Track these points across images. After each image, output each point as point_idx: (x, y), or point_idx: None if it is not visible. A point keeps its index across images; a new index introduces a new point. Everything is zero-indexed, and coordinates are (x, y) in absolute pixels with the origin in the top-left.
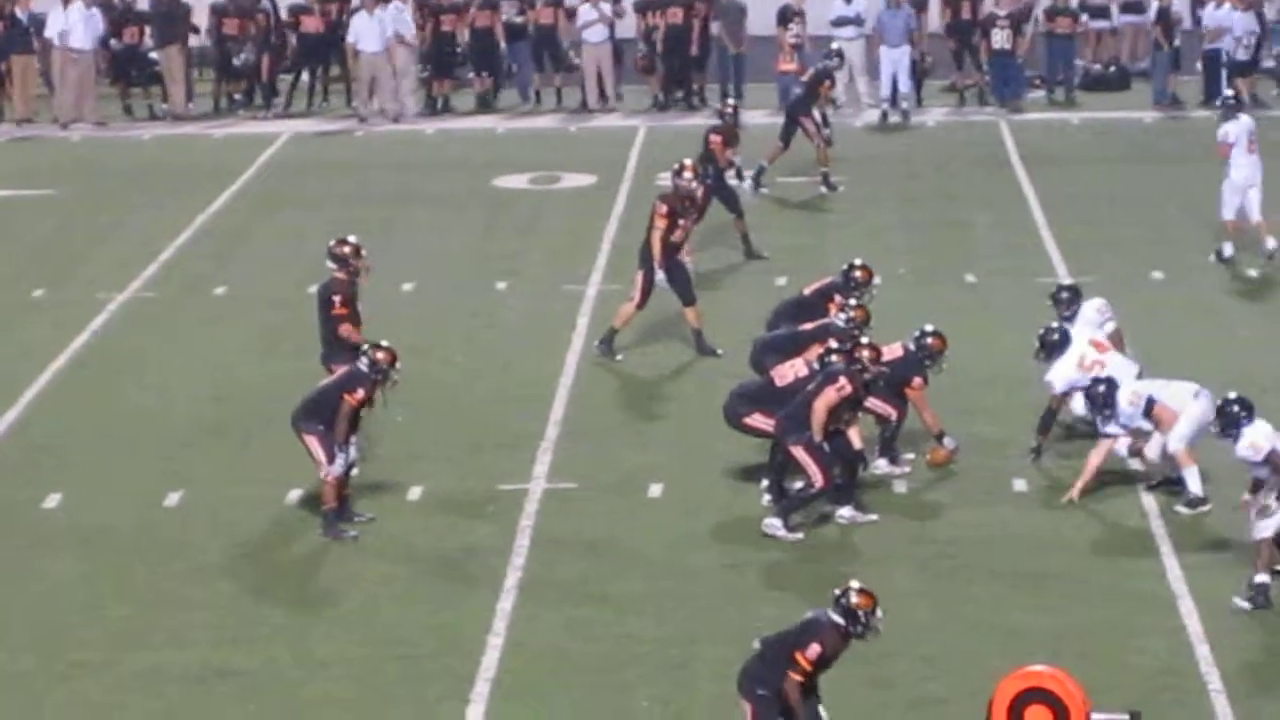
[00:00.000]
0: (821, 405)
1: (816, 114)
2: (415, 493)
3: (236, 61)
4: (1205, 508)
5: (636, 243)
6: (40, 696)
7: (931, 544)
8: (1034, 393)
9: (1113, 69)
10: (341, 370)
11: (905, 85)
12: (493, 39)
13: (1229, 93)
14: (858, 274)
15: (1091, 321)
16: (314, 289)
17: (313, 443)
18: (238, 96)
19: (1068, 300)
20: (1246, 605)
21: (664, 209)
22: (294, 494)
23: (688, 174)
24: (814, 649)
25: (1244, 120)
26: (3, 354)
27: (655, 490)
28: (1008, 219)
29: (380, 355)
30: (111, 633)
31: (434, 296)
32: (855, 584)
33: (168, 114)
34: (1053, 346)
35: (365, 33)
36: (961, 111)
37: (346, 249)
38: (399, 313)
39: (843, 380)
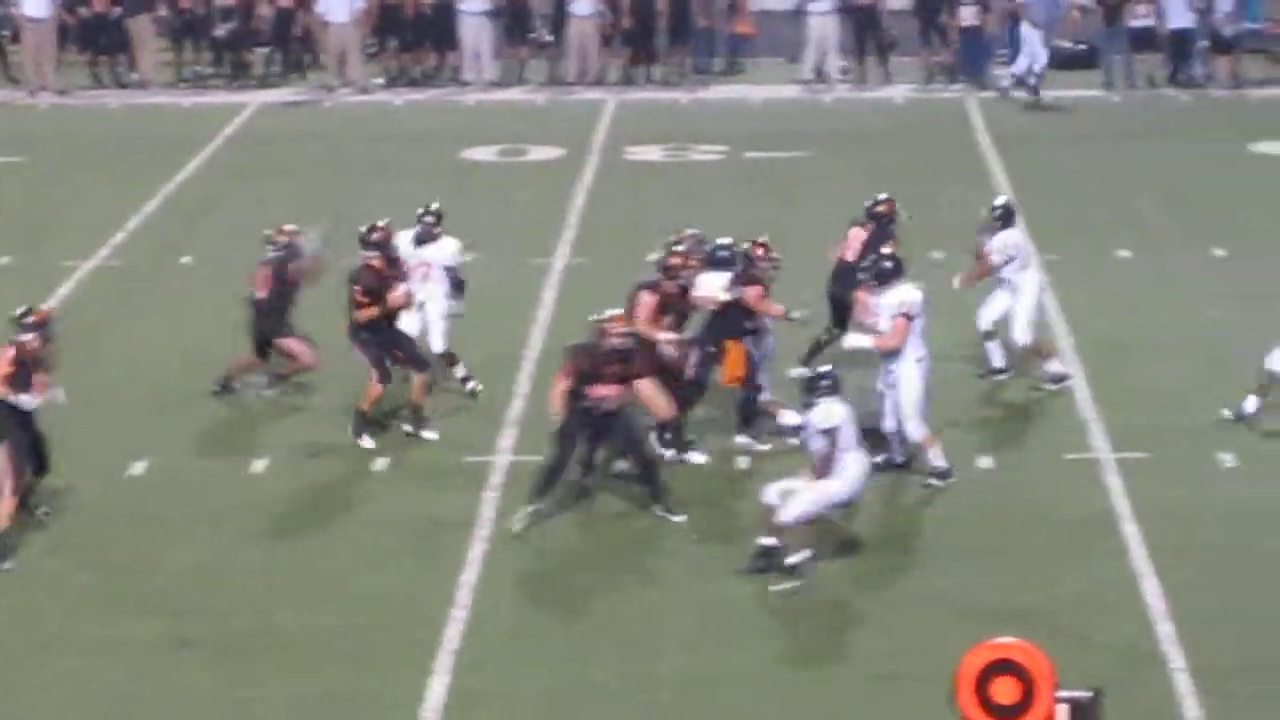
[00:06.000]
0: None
1: None
2: (381, 464)
3: (219, 33)
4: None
5: (604, 217)
6: (5, 666)
7: (895, 521)
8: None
9: (1083, 47)
10: None
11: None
12: (448, 13)
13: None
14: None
15: None
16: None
17: None
18: (198, 68)
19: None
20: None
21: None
22: (259, 464)
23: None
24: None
25: None
26: None
27: (621, 463)
28: (975, 196)
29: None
30: (76, 601)
31: None
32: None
33: (136, 83)
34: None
35: (334, 4)
36: (929, 88)
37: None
38: None
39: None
